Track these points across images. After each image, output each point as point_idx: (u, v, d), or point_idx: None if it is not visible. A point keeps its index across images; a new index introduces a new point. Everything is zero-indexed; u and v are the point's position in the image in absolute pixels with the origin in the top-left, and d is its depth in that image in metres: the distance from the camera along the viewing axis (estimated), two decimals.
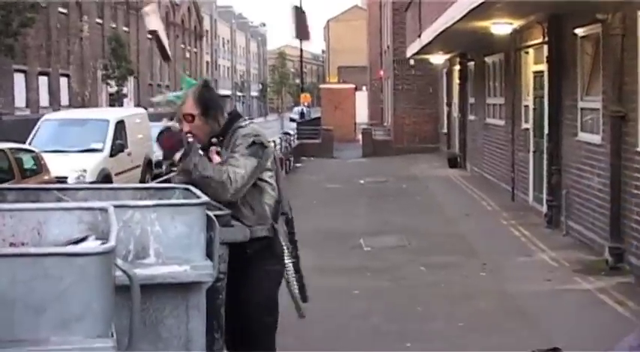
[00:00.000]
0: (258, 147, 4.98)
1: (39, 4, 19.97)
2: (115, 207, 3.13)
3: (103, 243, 2.75)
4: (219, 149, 5.04)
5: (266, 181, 5.08)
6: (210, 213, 3.72)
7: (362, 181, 22.61)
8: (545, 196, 14.66)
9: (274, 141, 25.39)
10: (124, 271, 2.82)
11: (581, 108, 13.08)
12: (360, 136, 36.24)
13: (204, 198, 3.62)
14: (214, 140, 5.10)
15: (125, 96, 50.50)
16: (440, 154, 30.20)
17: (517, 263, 11.17)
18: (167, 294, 3.41)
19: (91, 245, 2.92)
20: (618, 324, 7.61)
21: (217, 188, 4.68)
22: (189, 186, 4.20)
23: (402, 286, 10.05)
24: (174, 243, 3.41)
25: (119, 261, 2.83)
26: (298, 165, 28.47)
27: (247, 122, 5.25)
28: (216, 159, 4.98)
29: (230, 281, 4.60)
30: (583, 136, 12.92)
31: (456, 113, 27.42)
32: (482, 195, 18.86)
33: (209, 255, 3.65)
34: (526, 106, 16.93)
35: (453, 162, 26.15)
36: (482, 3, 12.90)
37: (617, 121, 10.91)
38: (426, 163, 27.74)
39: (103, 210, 3.09)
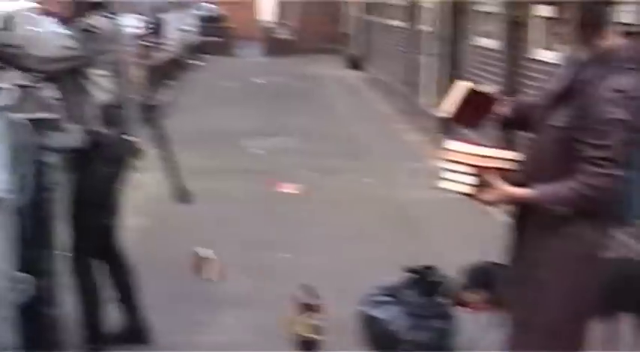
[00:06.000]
0: (87, 34, 4.66)
1: None
2: None
3: None
4: None
5: (91, 80, 4.72)
6: (20, 116, 3.15)
7: (259, 81, 22.02)
8: (440, 101, 14.35)
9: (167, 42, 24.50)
10: None
11: (480, 12, 12.74)
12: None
13: None
14: None
15: None
16: (341, 55, 29.67)
17: (405, 169, 10.89)
18: None
19: None
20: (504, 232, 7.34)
21: None
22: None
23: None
24: None
25: None
26: (196, 63, 27.60)
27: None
28: None
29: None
30: (480, 41, 12.60)
31: (357, 13, 26.85)
32: (379, 97, 18.56)
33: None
34: (426, 8, 16.52)
35: (353, 64, 25.71)
36: None
37: (514, 26, 10.57)
38: (325, 64, 27.22)
39: None
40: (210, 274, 6.65)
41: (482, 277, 4.55)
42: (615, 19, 3.46)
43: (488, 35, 12.24)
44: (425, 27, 16.45)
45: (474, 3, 12.84)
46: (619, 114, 3.28)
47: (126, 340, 5.28)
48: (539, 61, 9.58)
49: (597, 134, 3.30)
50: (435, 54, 15.54)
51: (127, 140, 5.00)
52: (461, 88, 3.68)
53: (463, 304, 4.70)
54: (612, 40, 3.43)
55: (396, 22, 19.94)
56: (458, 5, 13.68)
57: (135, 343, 5.29)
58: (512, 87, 10.46)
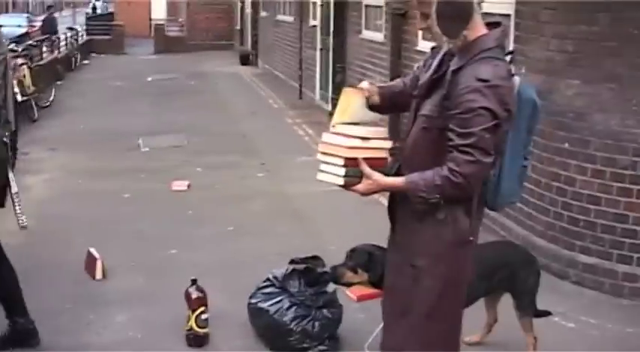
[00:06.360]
0: None
1: None
2: None
3: None
4: None
5: None
6: None
7: (150, 78, 21.81)
8: (330, 94, 14.52)
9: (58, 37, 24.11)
10: None
11: (366, 6, 12.92)
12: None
13: None
14: None
15: None
16: (233, 51, 29.68)
17: (297, 163, 10.94)
18: None
19: None
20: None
21: None
22: None
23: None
24: None
25: None
26: (85, 62, 27.23)
27: None
28: None
29: None
30: (367, 34, 12.78)
31: (249, 9, 26.87)
32: (271, 92, 18.60)
33: None
34: (314, 3, 16.66)
35: (244, 60, 25.74)
36: None
37: (398, 19, 10.76)
38: (218, 60, 27.10)
39: None
40: (99, 273, 6.62)
41: (365, 258, 4.66)
42: (479, 10, 3.56)
43: (374, 28, 12.43)
44: (314, 21, 16.59)
45: None
46: (483, 102, 3.38)
47: (13, 343, 5.21)
48: (423, 52, 9.78)
49: (463, 122, 3.40)
50: (323, 48, 15.71)
51: (8, 141, 4.94)
52: (351, 100, 3.73)
53: (347, 284, 4.82)
54: (477, 31, 3.53)
55: (286, 18, 20.05)
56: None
57: (22, 346, 5.23)
58: (397, 78, 10.63)
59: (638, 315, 5.98)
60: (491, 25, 3.62)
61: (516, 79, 3.60)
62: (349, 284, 4.80)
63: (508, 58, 3.62)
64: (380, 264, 4.31)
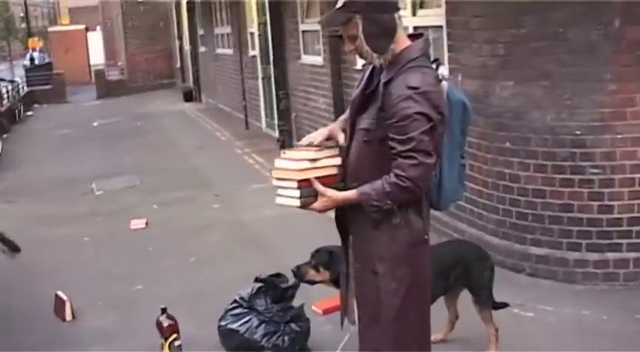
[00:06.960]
0: None
1: None
2: None
3: None
4: None
5: None
6: None
7: (95, 124, 21.83)
8: (276, 121, 14.71)
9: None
10: None
11: (303, 31, 13.12)
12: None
13: None
14: None
15: None
16: (176, 89, 29.78)
17: (250, 191, 11.09)
18: None
19: None
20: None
21: None
22: None
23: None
24: None
25: None
26: (29, 113, 27.15)
27: None
28: None
29: None
30: (306, 59, 12.99)
31: (187, 46, 27.01)
32: (217, 125, 18.74)
33: None
34: (252, 33, 16.87)
35: (188, 96, 25.90)
36: None
37: (335, 41, 10.97)
38: (161, 99, 27.19)
39: None
40: (69, 315, 6.70)
41: (327, 258, 4.91)
42: (400, 24, 3.78)
43: (313, 52, 12.65)
44: (253, 52, 16.79)
45: (295, 22, 13.23)
46: (417, 108, 3.57)
47: None
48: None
49: (401, 129, 3.59)
50: (265, 77, 15.92)
51: None
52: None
53: (310, 282, 5.08)
54: (401, 43, 3.74)
55: (225, 51, 20.23)
56: (280, 27, 14.05)
57: None
58: (340, 99, 10.87)
59: (591, 298, 6.23)
60: (413, 37, 3.85)
61: (445, 84, 3.81)
62: (313, 282, 5.06)
63: (434, 65, 3.83)
64: (339, 263, 4.51)
